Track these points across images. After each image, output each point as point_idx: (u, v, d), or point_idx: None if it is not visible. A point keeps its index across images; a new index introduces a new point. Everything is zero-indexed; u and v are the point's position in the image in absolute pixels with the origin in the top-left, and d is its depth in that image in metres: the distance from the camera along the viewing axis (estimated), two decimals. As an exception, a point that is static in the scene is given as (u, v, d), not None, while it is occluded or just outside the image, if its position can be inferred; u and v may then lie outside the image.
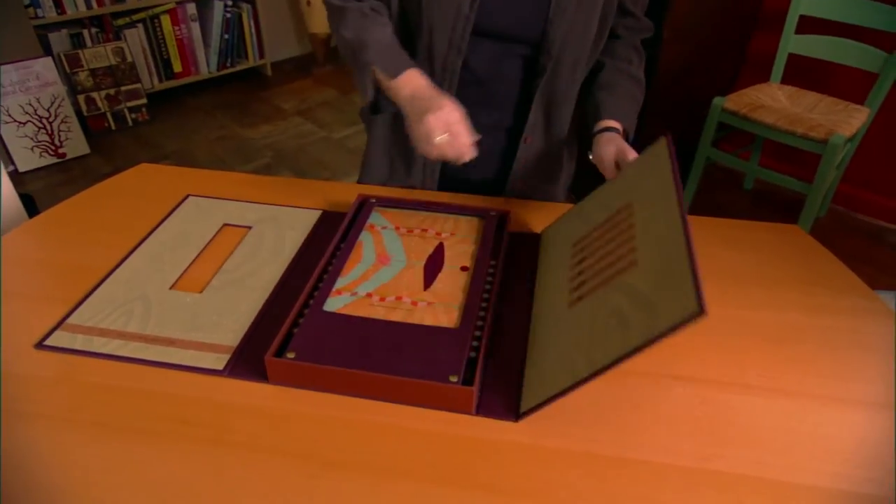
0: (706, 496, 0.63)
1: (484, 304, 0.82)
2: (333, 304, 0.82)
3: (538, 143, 1.08)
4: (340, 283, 0.85)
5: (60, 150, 2.75)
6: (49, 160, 2.73)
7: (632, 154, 0.90)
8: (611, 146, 0.95)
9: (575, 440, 0.68)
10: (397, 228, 0.96)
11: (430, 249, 0.92)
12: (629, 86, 1.06)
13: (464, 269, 0.88)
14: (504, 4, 0.95)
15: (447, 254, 0.91)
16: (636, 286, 0.67)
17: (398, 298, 0.83)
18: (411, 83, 0.90)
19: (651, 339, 0.59)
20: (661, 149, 0.82)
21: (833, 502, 0.62)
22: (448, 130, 0.83)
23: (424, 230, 0.96)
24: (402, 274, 0.87)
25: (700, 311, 0.56)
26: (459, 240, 0.94)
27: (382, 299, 0.83)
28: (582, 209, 0.92)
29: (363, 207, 1.01)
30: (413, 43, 1.00)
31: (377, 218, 0.99)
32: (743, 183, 2.62)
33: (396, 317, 0.80)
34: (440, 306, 0.82)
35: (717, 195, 2.55)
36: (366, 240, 0.94)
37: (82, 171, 2.70)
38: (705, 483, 0.64)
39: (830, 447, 0.67)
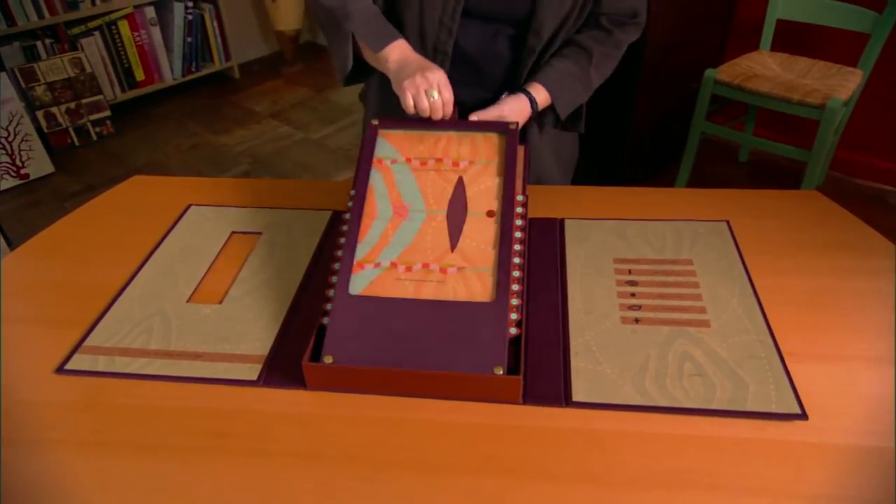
0: (766, 465, 0.65)
1: (517, 265, 0.79)
2: (359, 282, 0.80)
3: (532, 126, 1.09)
4: (361, 251, 0.82)
5: (23, 171, 2.70)
6: (12, 182, 2.68)
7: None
8: (508, 106, 0.98)
9: (627, 421, 0.70)
10: (408, 161, 0.90)
11: (450, 190, 0.86)
12: (571, 54, 1.04)
13: (490, 214, 0.84)
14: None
15: (469, 193, 0.86)
16: (714, 349, 0.77)
17: (425, 266, 0.80)
18: (398, 51, 0.93)
19: (738, 411, 0.70)
20: (723, 229, 0.97)
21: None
22: (437, 89, 0.89)
23: (439, 160, 0.89)
24: (424, 230, 0.83)
25: (805, 416, 0.69)
26: (480, 170, 0.88)
27: (409, 269, 0.80)
28: (619, 229, 0.98)
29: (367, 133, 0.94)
30: (402, 23, 1.01)
31: (383, 147, 0.91)
32: (738, 155, 2.67)
33: (427, 292, 0.78)
34: (471, 272, 0.79)
35: (712, 169, 2.60)
36: (376, 181, 0.88)
37: (49, 192, 2.66)
38: (763, 453, 0.66)
39: (883, 407, 0.70)
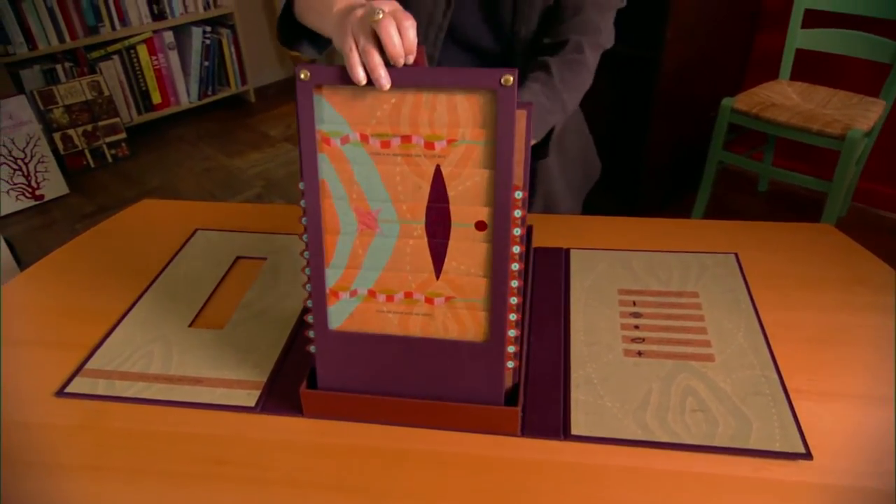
0: (767, 505, 0.65)
1: (514, 291, 0.70)
2: (337, 315, 0.74)
3: None
4: (331, 276, 0.73)
5: (38, 192, 2.78)
6: (27, 203, 2.75)
7: None
8: None
9: (626, 456, 0.70)
10: (364, 140, 0.68)
11: (426, 188, 0.68)
12: (528, 77, 0.95)
13: (480, 226, 0.69)
14: (476, 12, 0.98)
15: (451, 193, 0.68)
16: (718, 383, 0.78)
17: (408, 295, 0.72)
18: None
19: (741, 449, 0.70)
20: (731, 262, 0.97)
21: (898, 503, 0.65)
22: (392, 17, 0.65)
23: (406, 139, 0.67)
24: (400, 248, 0.71)
25: (809, 456, 0.69)
26: (463, 153, 0.67)
27: (390, 299, 0.72)
28: (625, 260, 0.99)
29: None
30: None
31: (325, 114, 0.68)
32: (757, 185, 2.67)
33: (414, 328, 0.73)
34: (461, 304, 0.71)
35: (731, 199, 2.59)
36: (328, 174, 0.70)
37: (63, 213, 2.72)
38: (763, 492, 0.66)
39: (889, 448, 0.70)
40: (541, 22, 0.97)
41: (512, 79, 0.64)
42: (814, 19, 2.20)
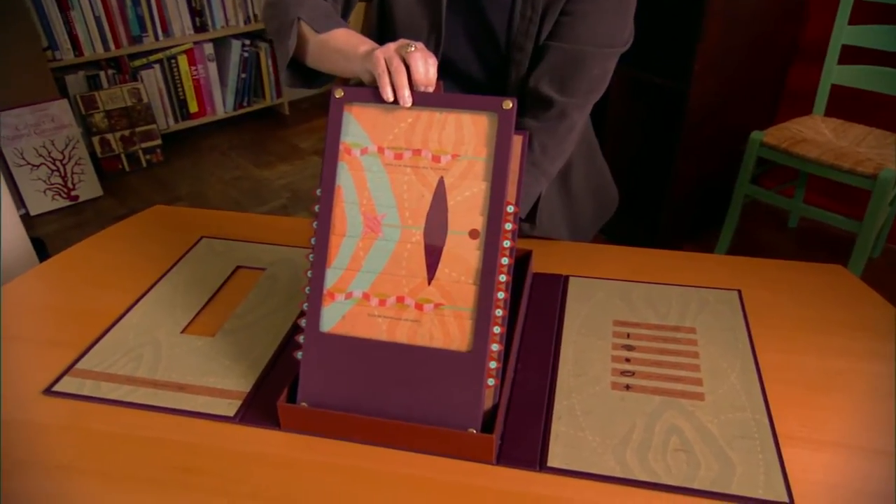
0: (744, 555, 0.62)
1: (500, 302, 0.74)
2: (330, 317, 0.77)
3: None
4: (331, 277, 0.78)
5: (73, 193, 2.86)
6: (61, 203, 2.83)
7: None
8: None
9: (601, 492, 0.68)
10: (381, 151, 0.78)
11: (429, 197, 0.77)
12: None
13: (473, 234, 0.76)
14: (467, 46, 0.98)
15: (450, 202, 0.76)
16: (705, 424, 0.75)
17: (400, 300, 0.76)
18: (368, 43, 0.82)
19: (721, 493, 0.67)
20: (734, 299, 0.95)
21: (884, 563, 0.61)
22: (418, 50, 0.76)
23: (416, 153, 0.77)
24: (398, 252, 0.77)
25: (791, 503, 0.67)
26: (465, 168, 0.76)
27: (382, 303, 0.76)
28: (624, 291, 0.97)
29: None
30: None
31: (351, 128, 0.79)
32: (788, 221, 2.61)
33: (402, 334, 0.75)
34: (449, 311, 0.75)
35: (759, 234, 2.54)
36: (345, 181, 0.79)
37: (95, 214, 2.79)
38: (743, 541, 0.63)
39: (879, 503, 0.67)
40: (534, 57, 0.96)
41: (511, 104, 0.75)
42: (851, 55, 2.15)
